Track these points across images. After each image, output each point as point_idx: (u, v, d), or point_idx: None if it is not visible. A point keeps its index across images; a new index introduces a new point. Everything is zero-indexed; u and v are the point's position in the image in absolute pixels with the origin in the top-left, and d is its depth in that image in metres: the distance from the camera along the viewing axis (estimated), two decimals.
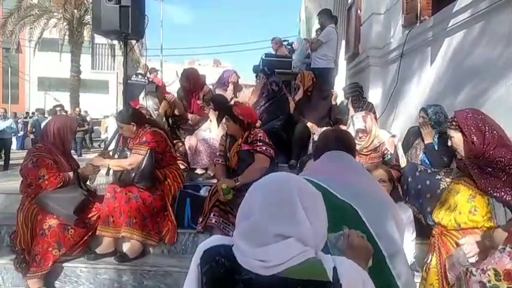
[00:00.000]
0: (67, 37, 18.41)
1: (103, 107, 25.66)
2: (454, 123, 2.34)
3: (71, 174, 3.39)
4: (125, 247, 3.52)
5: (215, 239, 1.14)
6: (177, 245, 3.59)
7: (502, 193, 2.13)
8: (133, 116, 3.67)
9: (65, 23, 18.01)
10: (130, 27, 4.64)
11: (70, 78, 18.58)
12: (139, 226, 3.40)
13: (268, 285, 0.98)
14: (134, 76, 5.98)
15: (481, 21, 3.75)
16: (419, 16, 5.12)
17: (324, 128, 4.18)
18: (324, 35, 6.61)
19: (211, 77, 9.38)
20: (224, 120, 3.84)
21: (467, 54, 3.99)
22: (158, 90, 5.60)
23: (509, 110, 3.21)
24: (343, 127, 4.34)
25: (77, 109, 15.13)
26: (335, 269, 0.99)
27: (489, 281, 1.09)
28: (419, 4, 5.06)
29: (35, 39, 19.32)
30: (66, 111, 12.90)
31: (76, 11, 17.63)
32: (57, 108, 11.79)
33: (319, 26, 7.49)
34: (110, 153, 4.32)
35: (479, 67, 3.76)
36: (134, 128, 3.61)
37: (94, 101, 26.29)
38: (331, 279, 0.98)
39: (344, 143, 1.79)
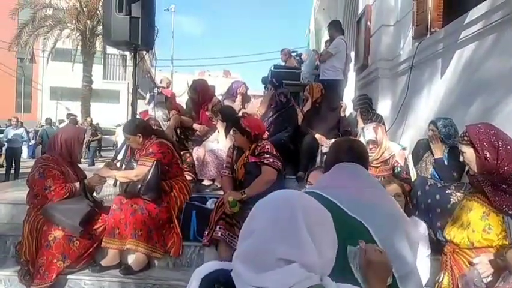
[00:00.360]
0: (79, 47, 18.70)
1: (113, 117, 25.89)
2: (466, 138, 2.27)
3: (77, 184, 3.38)
4: (131, 259, 3.49)
5: (212, 265, 1.07)
6: (182, 258, 3.55)
7: None
8: (139, 127, 3.67)
9: (77, 34, 18.31)
10: (139, 38, 4.66)
11: (82, 88, 18.82)
12: (145, 238, 3.37)
13: None
14: (156, 89, 6.05)
15: (493, 33, 3.69)
16: (430, 28, 5.07)
17: (333, 140, 4.14)
18: (333, 46, 6.60)
19: (220, 88, 9.42)
20: (232, 132, 3.82)
21: (478, 67, 3.93)
22: (169, 101, 5.63)
23: None
24: None
25: (88, 119, 15.24)
26: None
27: None
28: (429, 16, 5.01)
29: (49, 50, 19.62)
30: (76, 121, 13.00)
31: (88, 21, 17.95)
32: (72, 117, 11.89)
33: (328, 38, 7.49)
34: (118, 164, 4.32)
35: (491, 80, 3.69)
36: (141, 139, 3.60)
37: (105, 111, 26.54)
38: None
39: (357, 154, 1.71)
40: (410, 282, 1.43)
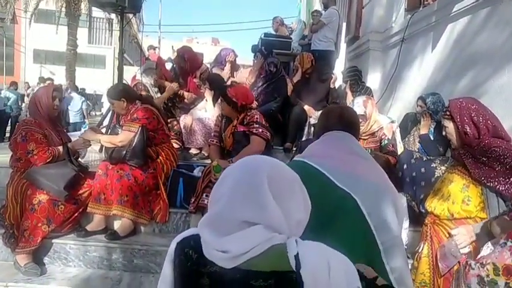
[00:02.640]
0: (63, 9, 18.06)
1: (99, 82, 25.42)
2: (448, 113, 2.30)
3: (60, 148, 3.31)
4: (116, 225, 3.49)
5: (190, 230, 1.07)
6: (169, 225, 3.56)
7: (496, 183, 2.10)
8: (123, 92, 3.59)
9: None
10: (126, 0, 4.52)
11: (66, 51, 18.30)
12: (131, 204, 3.36)
13: (231, 279, 0.91)
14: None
15: (487, 7, 3.66)
16: (423, 0, 5.01)
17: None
18: (325, 16, 6.50)
19: (208, 56, 9.25)
20: (219, 100, 3.77)
21: (470, 41, 3.91)
22: (159, 68, 5.48)
23: (510, 100, 3.15)
24: None
25: (65, 82, 14.58)
26: (297, 255, 0.90)
27: (487, 275, 1.06)
28: None
29: (31, 10, 18.92)
30: (44, 80, 12.27)
31: None
32: (48, 82, 11.38)
33: (316, 8, 7.37)
34: (103, 129, 4.25)
35: (482, 55, 3.69)
36: (125, 104, 3.53)
37: (90, 76, 26.03)
38: (294, 268, 0.89)
39: (347, 123, 1.70)
40: (395, 253, 1.46)
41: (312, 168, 1.51)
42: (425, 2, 4.97)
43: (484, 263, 1.08)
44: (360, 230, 1.42)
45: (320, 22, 6.50)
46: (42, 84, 9.09)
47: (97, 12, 21.67)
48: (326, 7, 6.81)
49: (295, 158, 1.75)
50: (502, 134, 2.20)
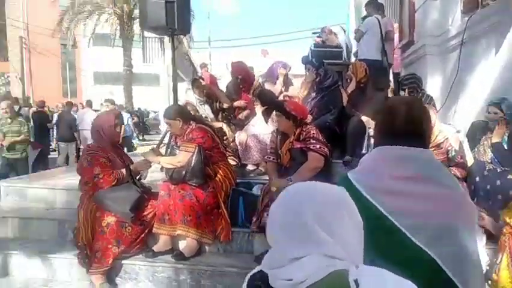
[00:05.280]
0: (118, 32, 19.03)
1: (155, 100, 26.40)
2: None
3: (124, 171, 3.45)
4: (182, 245, 3.55)
5: (256, 268, 1.10)
6: (232, 244, 3.57)
7: None
8: (178, 112, 3.69)
9: (115, 18, 18.61)
10: (176, 22, 4.65)
11: (123, 72, 19.21)
12: (194, 224, 3.41)
13: None
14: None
15: None
16: (481, 1, 4.75)
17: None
18: (363, 24, 6.39)
19: (257, 68, 9.30)
20: (274, 116, 3.73)
21: None
22: (198, 84, 5.56)
23: None
24: None
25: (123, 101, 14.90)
26: (356, 280, 0.90)
27: None
28: None
29: (89, 35, 20.09)
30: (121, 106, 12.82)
31: (125, 5, 18.17)
32: (106, 104, 11.71)
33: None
34: (163, 150, 4.37)
35: None
36: (180, 123, 3.61)
37: (145, 94, 27.06)
38: None
39: (418, 125, 1.40)
40: None
41: (388, 221, 1.32)
42: (484, 3, 4.70)
43: None
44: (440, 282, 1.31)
45: (358, 31, 6.42)
46: (106, 108, 9.46)
47: (149, 33, 22.53)
48: (369, 16, 6.68)
49: (350, 178, 1.45)
50: None
